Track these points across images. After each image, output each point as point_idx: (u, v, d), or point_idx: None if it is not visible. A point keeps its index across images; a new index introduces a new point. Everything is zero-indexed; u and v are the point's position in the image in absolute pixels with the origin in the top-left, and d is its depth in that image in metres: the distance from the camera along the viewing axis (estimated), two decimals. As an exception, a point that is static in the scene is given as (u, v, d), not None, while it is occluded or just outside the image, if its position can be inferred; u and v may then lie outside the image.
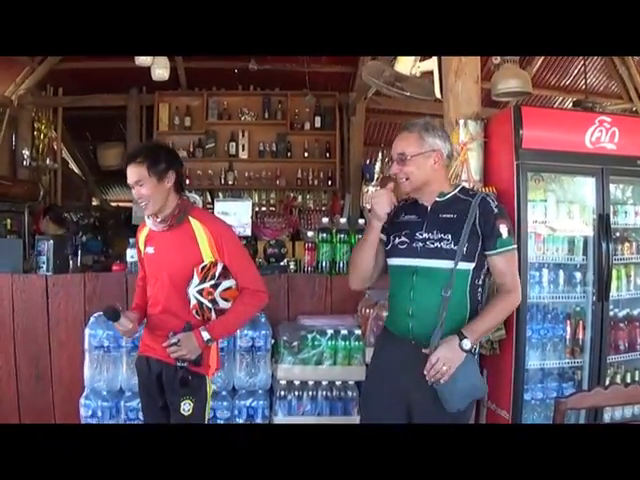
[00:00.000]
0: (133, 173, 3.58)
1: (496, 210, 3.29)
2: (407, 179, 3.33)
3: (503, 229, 3.25)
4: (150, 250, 3.64)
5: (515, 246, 3.36)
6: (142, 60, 7.11)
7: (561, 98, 11.50)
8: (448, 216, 3.32)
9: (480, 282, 3.32)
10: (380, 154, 11.88)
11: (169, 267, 3.54)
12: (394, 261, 3.44)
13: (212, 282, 3.42)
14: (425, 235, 3.32)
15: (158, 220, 3.58)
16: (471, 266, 3.24)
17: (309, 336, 4.54)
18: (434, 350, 3.12)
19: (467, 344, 3.09)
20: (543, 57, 10.30)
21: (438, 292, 3.20)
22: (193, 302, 3.45)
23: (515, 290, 3.30)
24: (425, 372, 3.10)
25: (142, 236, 3.75)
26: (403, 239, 3.39)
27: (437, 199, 3.38)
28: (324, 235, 5.38)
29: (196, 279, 3.43)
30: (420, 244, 3.31)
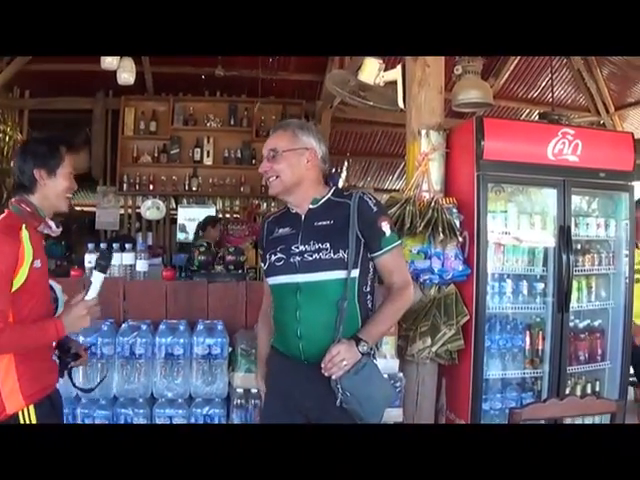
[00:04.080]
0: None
1: (375, 208, 3.04)
2: (277, 177, 3.07)
3: (385, 227, 3.02)
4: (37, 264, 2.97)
5: (400, 241, 3.13)
6: (108, 64, 7.07)
7: (528, 110, 11.57)
8: (324, 223, 3.06)
9: (368, 289, 3.05)
10: (346, 163, 11.90)
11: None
12: (273, 280, 3.17)
13: None
14: (302, 247, 3.03)
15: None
16: (356, 273, 2.98)
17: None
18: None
19: (365, 347, 2.87)
20: (511, 69, 10.39)
21: (327, 307, 2.96)
22: None
23: (407, 286, 3.06)
24: (322, 365, 2.84)
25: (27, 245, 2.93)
26: (279, 255, 3.11)
27: (310, 206, 3.12)
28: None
29: None
30: (298, 258, 3.03)
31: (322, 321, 2.98)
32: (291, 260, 3.04)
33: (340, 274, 2.96)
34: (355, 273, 2.98)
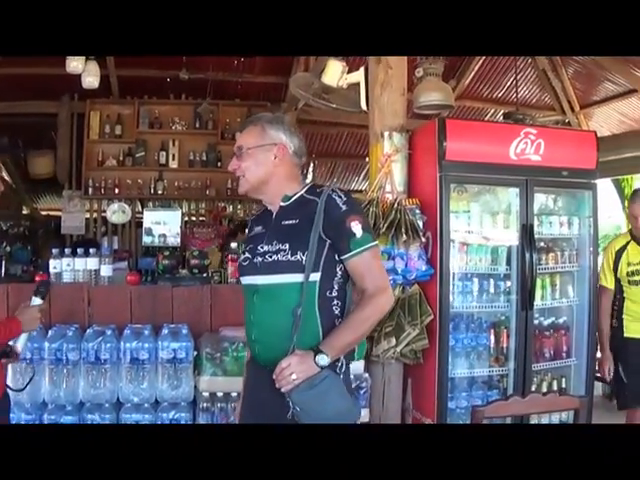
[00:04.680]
0: None
1: (344, 207, 2.81)
2: (244, 175, 2.97)
3: (356, 227, 2.78)
4: None
5: (374, 243, 2.85)
6: (73, 67, 7.03)
7: (493, 110, 11.61)
8: (290, 222, 2.90)
9: (334, 293, 2.84)
10: (312, 164, 11.90)
11: None
12: (241, 280, 3.10)
13: None
14: (265, 248, 2.89)
15: None
16: (316, 277, 2.80)
17: (231, 347, 4.47)
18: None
19: (323, 360, 2.66)
20: (475, 69, 10.44)
21: (282, 312, 2.81)
22: None
23: (380, 292, 2.80)
24: (274, 376, 2.70)
25: None
26: (247, 255, 3.02)
27: (282, 204, 2.97)
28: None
29: None
30: (260, 259, 2.90)
31: (277, 326, 2.84)
32: (254, 260, 2.94)
33: (296, 277, 2.79)
34: (315, 277, 2.79)
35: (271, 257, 2.86)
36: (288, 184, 2.98)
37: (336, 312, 2.85)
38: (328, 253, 2.81)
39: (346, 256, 2.79)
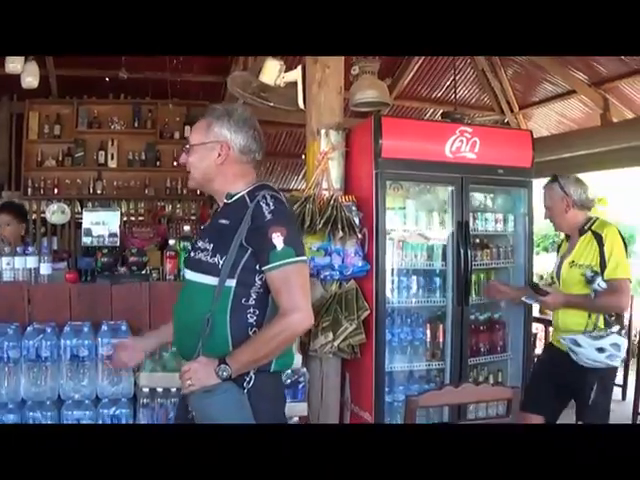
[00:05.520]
0: None
1: (269, 216, 2.71)
2: (191, 171, 2.96)
3: (277, 239, 2.66)
4: None
5: (297, 259, 2.71)
6: (12, 67, 6.97)
7: (432, 110, 11.72)
8: (223, 222, 2.85)
9: (251, 302, 2.76)
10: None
11: None
12: None
13: None
14: (199, 244, 2.90)
15: None
16: (232, 283, 2.74)
17: (170, 344, 4.46)
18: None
19: (225, 372, 2.62)
20: (414, 69, 10.54)
21: (194, 311, 2.80)
22: None
23: (293, 311, 2.66)
24: (179, 377, 2.74)
25: None
26: (190, 248, 3.07)
27: (225, 201, 2.92)
28: (185, 244, 5.23)
29: None
30: (192, 253, 2.92)
31: (187, 324, 2.86)
32: (191, 254, 2.95)
33: (212, 280, 2.78)
34: (231, 283, 2.74)
35: (198, 255, 2.87)
36: (234, 182, 2.92)
37: (250, 321, 2.77)
38: (248, 261, 2.74)
39: (265, 268, 2.70)
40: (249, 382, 2.74)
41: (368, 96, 5.96)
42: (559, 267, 4.58)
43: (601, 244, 4.28)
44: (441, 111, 8.86)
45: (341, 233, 4.72)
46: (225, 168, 2.89)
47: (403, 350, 5.26)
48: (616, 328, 4.26)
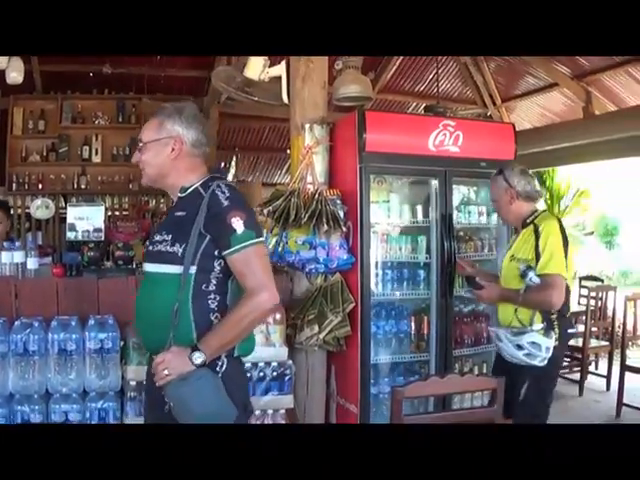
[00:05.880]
0: None
1: (226, 203, 2.81)
2: (145, 168, 3.04)
3: (237, 223, 2.76)
4: None
5: (257, 240, 2.82)
6: (-3, 63, 6.95)
7: (415, 103, 11.75)
8: (179, 214, 2.95)
9: (211, 288, 2.85)
10: (234, 158, 11.88)
11: None
12: None
13: None
14: (157, 237, 2.97)
15: None
16: (193, 270, 2.82)
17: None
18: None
19: (199, 358, 2.69)
20: (397, 63, 10.58)
21: (160, 303, 2.85)
22: None
23: (260, 291, 2.76)
24: (152, 370, 2.80)
25: None
26: (147, 242, 3.18)
27: (179, 195, 3.02)
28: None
29: None
30: (151, 247, 2.99)
31: (153, 316, 2.91)
32: (149, 248, 3.03)
33: (172, 269, 2.85)
34: (192, 270, 2.82)
35: (157, 247, 2.93)
36: (186, 176, 3.03)
37: (212, 306, 2.86)
38: (207, 247, 2.83)
39: (226, 252, 2.79)
40: (222, 366, 2.84)
41: (352, 91, 5.97)
42: (502, 261, 4.58)
43: (537, 237, 4.19)
44: (424, 105, 8.86)
45: (326, 227, 4.74)
46: (178, 162, 3.00)
47: (388, 342, 5.29)
48: (538, 326, 4.13)
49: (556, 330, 4.15)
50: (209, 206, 2.82)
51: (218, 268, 2.85)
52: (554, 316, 4.18)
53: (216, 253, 2.83)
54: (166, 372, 2.71)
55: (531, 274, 4.12)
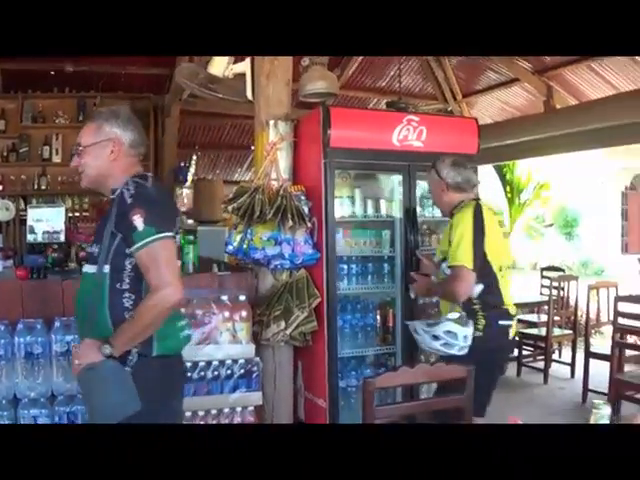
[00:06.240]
0: None
1: (130, 200, 2.84)
2: (84, 172, 3.09)
3: (137, 220, 2.78)
4: None
5: (158, 236, 2.82)
6: (-42, 63, 6.90)
7: (376, 100, 11.80)
8: (104, 216, 3.03)
9: (125, 286, 2.89)
10: (194, 156, 11.82)
11: None
12: None
13: None
14: (92, 238, 3.11)
15: None
16: (107, 269, 2.88)
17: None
18: None
19: (107, 349, 2.79)
20: (359, 60, 10.62)
21: (86, 300, 2.99)
22: None
23: (162, 287, 2.77)
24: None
25: None
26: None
27: (111, 197, 3.02)
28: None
29: None
30: (87, 248, 3.19)
31: (80, 314, 3.07)
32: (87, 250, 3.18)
33: (92, 268, 2.97)
34: (106, 269, 2.89)
35: (88, 248, 3.16)
36: (121, 178, 3.02)
37: (127, 305, 2.90)
38: (118, 246, 2.88)
39: (131, 250, 2.83)
40: (132, 361, 2.89)
41: (319, 87, 5.97)
42: None
43: (451, 227, 4.19)
44: (385, 101, 8.89)
45: (291, 222, 4.75)
46: (117, 164, 3.05)
47: (354, 336, 5.34)
48: (454, 315, 4.04)
49: (481, 321, 4.07)
50: (118, 205, 2.89)
51: (129, 267, 2.89)
52: (477, 306, 4.10)
53: (127, 252, 2.87)
54: (77, 361, 2.90)
55: (444, 265, 4.21)
